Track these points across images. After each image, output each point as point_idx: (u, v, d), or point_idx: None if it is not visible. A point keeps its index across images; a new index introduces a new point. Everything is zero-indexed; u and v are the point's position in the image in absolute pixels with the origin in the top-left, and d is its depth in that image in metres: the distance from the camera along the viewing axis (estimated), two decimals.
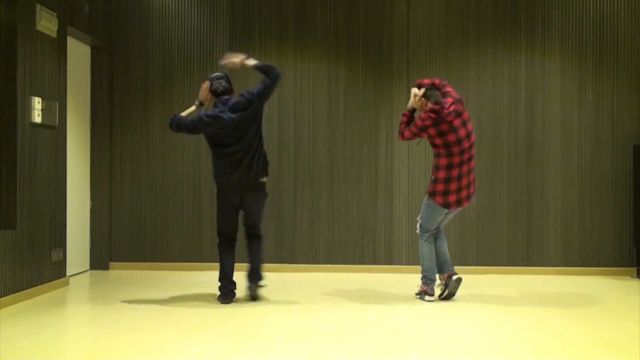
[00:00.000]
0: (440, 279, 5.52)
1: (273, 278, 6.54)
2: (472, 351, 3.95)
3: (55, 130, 5.93)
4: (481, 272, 6.81)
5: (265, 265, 6.93)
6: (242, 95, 5.20)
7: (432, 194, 5.39)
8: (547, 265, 6.93)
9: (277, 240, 7.04)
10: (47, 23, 5.72)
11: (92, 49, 7.00)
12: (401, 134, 5.52)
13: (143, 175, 7.12)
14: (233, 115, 5.10)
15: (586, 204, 6.96)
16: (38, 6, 5.60)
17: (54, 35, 5.89)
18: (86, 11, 6.55)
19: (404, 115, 5.58)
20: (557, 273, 6.87)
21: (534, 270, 6.90)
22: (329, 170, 7.07)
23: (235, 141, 5.14)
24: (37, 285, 5.62)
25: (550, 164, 6.97)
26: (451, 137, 5.27)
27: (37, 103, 5.58)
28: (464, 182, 5.37)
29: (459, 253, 6.86)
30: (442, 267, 5.51)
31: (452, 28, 7.04)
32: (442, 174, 5.32)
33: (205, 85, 5.30)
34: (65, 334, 4.48)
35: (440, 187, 5.34)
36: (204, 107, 5.32)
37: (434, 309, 5.17)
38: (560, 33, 7.00)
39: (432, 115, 5.25)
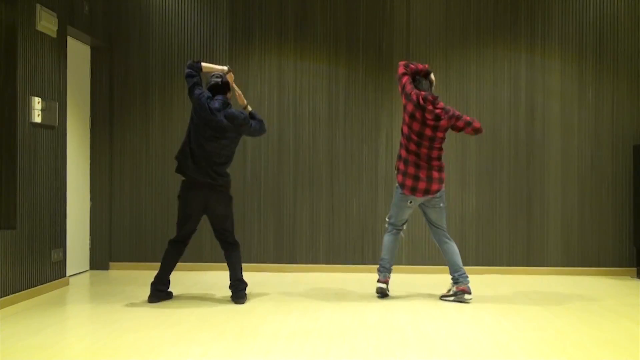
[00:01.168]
0: (451, 285, 5.52)
1: (273, 278, 6.55)
2: (472, 351, 3.95)
3: (55, 130, 5.93)
4: (481, 272, 6.81)
5: (265, 266, 6.98)
6: (242, 112, 5.41)
7: (398, 183, 5.57)
8: (547, 265, 6.93)
9: (277, 240, 7.04)
10: (47, 23, 5.72)
11: (92, 49, 7.00)
12: (405, 69, 5.49)
13: (143, 175, 7.12)
14: (224, 121, 5.28)
15: (586, 204, 6.96)
16: (38, 6, 5.60)
17: (54, 35, 5.89)
18: (86, 11, 6.55)
19: (412, 64, 5.55)
20: (557, 273, 6.87)
21: (534, 270, 6.90)
22: (329, 170, 7.07)
23: (205, 140, 5.27)
24: (37, 285, 5.62)
25: (550, 164, 6.97)
26: (416, 126, 5.39)
27: (37, 103, 5.57)
28: (422, 174, 5.42)
29: (459, 253, 6.83)
30: (457, 278, 5.47)
31: (452, 28, 7.05)
32: (402, 166, 5.48)
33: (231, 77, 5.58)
34: (65, 334, 4.48)
35: (401, 168, 5.50)
36: (230, 73, 5.53)
37: (434, 309, 5.17)
38: (560, 33, 7.00)
39: (421, 100, 5.34)
